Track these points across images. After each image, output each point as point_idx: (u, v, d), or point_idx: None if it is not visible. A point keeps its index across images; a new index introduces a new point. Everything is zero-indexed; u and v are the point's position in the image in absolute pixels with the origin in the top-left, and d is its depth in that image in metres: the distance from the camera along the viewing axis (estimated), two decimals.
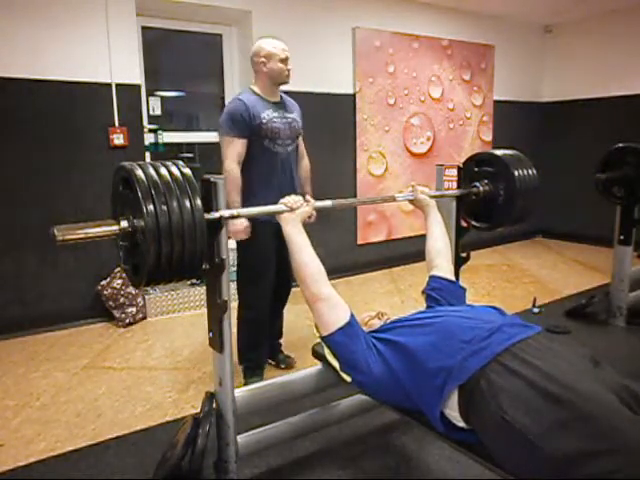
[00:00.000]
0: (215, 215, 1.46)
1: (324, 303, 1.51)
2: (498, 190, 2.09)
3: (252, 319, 2.46)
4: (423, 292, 1.81)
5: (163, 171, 1.30)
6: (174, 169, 1.33)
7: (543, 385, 1.14)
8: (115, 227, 1.30)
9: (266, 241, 2.37)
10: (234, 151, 2.32)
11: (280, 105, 2.47)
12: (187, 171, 1.35)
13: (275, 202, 1.76)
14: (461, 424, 1.30)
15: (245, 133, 2.33)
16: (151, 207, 1.23)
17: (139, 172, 1.27)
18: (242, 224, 2.26)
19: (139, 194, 1.23)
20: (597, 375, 1.19)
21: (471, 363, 1.26)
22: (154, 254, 1.23)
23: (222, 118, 2.37)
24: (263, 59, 2.40)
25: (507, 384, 1.19)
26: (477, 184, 2.13)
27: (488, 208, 2.14)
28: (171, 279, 1.33)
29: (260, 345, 2.52)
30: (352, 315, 1.52)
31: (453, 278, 1.86)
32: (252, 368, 2.51)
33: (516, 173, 2.04)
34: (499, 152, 2.14)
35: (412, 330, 1.48)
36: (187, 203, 1.28)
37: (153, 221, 1.22)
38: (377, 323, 1.71)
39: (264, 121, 2.35)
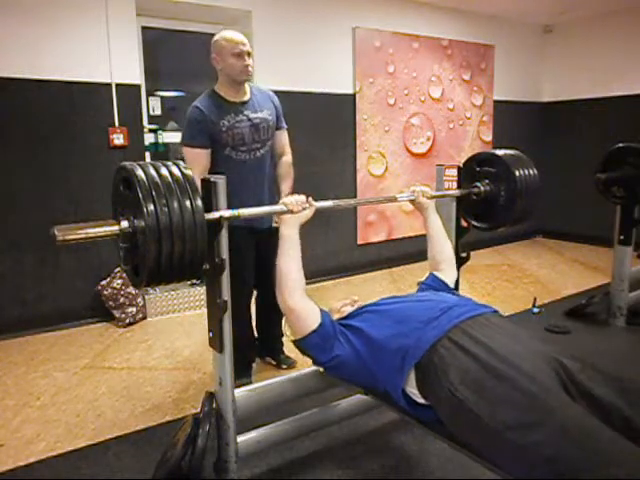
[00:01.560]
0: (215, 215, 1.46)
1: (297, 314, 1.56)
2: (499, 190, 2.08)
3: (236, 322, 2.41)
4: (419, 283, 1.88)
5: (164, 171, 1.30)
6: (175, 169, 1.33)
7: (487, 360, 1.23)
8: (115, 227, 1.29)
9: (240, 243, 2.22)
10: (198, 164, 2.13)
11: (245, 105, 2.26)
12: (188, 171, 1.35)
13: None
14: (421, 400, 1.38)
15: (206, 143, 2.17)
16: (152, 207, 1.22)
17: (140, 172, 1.26)
18: None
19: (140, 194, 1.22)
20: (538, 352, 1.28)
21: (424, 341, 1.36)
22: (155, 254, 1.22)
23: (184, 126, 2.23)
24: (215, 54, 2.21)
25: (455, 359, 1.29)
26: (478, 184, 2.12)
27: (489, 208, 2.14)
28: (172, 280, 1.32)
29: (245, 347, 2.46)
30: (323, 315, 1.57)
31: (452, 286, 1.90)
32: (238, 370, 2.43)
33: (517, 173, 2.03)
34: (500, 152, 2.14)
35: (374, 316, 1.57)
36: (188, 203, 1.27)
37: (154, 221, 1.22)
38: (349, 310, 1.73)
39: (224, 128, 2.18)
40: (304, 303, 1.57)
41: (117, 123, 3.44)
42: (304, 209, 1.65)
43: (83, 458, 1.96)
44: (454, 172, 2.20)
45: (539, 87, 5.98)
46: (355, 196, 4.56)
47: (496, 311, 1.53)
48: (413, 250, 4.91)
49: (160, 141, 3.75)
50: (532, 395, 1.14)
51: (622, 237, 3.13)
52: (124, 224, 1.29)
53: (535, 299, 3.61)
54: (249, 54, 2.22)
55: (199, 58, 4.24)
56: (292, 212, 1.62)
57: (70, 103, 3.30)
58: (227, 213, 1.50)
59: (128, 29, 3.44)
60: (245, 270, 2.36)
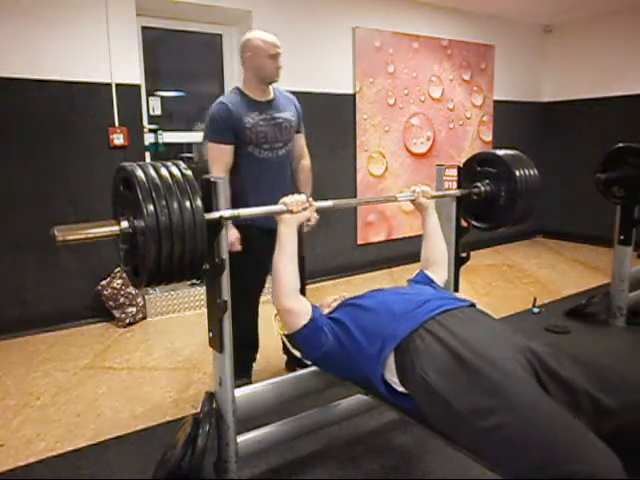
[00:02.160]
0: (215, 215, 1.46)
1: (292, 313, 1.59)
2: (499, 190, 2.08)
3: (239, 321, 2.39)
4: (408, 281, 1.93)
5: (164, 172, 1.30)
6: (174, 169, 1.33)
7: (457, 350, 1.30)
8: (116, 228, 1.29)
9: (252, 243, 2.24)
10: (221, 160, 2.19)
11: (270, 105, 2.29)
12: (188, 172, 1.34)
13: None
14: (401, 389, 1.43)
15: (230, 139, 2.20)
16: (151, 208, 1.22)
17: (139, 173, 1.26)
18: (232, 236, 2.16)
19: (139, 195, 1.22)
20: (509, 341, 1.36)
21: (401, 330, 1.44)
22: (154, 255, 1.22)
23: (206, 122, 2.26)
24: (249, 53, 2.24)
25: (429, 348, 1.36)
26: (478, 184, 2.12)
27: (489, 208, 2.13)
28: (172, 280, 1.32)
29: (246, 347, 2.44)
30: (314, 310, 1.61)
31: (442, 285, 1.93)
32: (238, 370, 2.38)
33: (517, 173, 2.03)
34: (501, 152, 2.13)
35: (356, 308, 1.62)
36: (187, 204, 1.27)
37: (153, 221, 1.22)
38: (337, 304, 1.77)
39: (248, 125, 2.19)
40: (298, 301, 1.60)
41: (117, 123, 3.44)
42: (304, 209, 1.65)
43: (83, 458, 1.96)
44: (454, 172, 2.19)
45: (539, 87, 5.98)
46: (355, 196, 4.56)
47: (473, 304, 1.59)
48: (413, 250, 4.87)
49: (160, 141, 3.75)
50: (495, 382, 1.20)
51: (622, 237, 3.13)
52: (124, 224, 1.29)
53: (535, 299, 3.61)
54: (280, 56, 2.27)
55: (199, 58, 4.25)
56: (292, 212, 1.62)
57: (70, 103, 3.30)
58: (227, 213, 1.50)
59: (128, 29, 3.44)
60: (253, 270, 2.31)
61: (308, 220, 2.38)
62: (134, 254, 1.31)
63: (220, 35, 4.05)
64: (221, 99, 2.26)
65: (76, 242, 1.26)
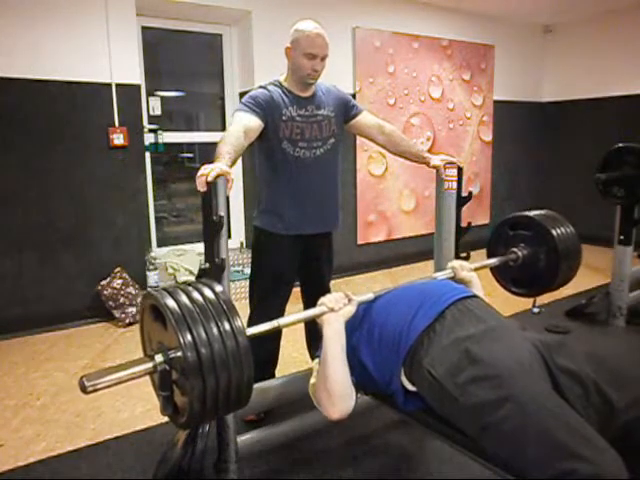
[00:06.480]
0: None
1: (347, 413, 1.45)
2: (538, 253, 1.99)
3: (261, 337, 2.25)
4: None
5: (195, 295, 1.15)
6: (207, 291, 1.18)
7: (465, 345, 1.29)
8: (149, 364, 1.14)
9: (280, 255, 2.09)
10: (239, 120, 1.89)
11: (310, 100, 2.09)
12: (220, 290, 1.20)
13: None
14: (411, 387, 1.40)
15: (260, 117, 1.94)
16: (189, 337, 1.07)
17: (169, 300, 1.12)
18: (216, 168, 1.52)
19: (173, 324, 1.08)
20: (519, 334, 1.35)
21: (417, 324, 1.41)
22: (198, 392, 1.07)
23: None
24: (289, 45, 2.02)
25: (437, 342, 1.34)
26: (515, 249, 2.03)
27: (528, 273, 2.03)
28: (216, 415, 1.18)
29: (268, 364, 2.30)
30: (353, 384, 1.48)
31: None
32: None
33: (555, 233, 1.93)
34: (532, 213, 2.03)
35: (371, 315, 1.55)
36: (227, 327, 1.11)
37: (193, 353, 1.06)
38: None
39: (284, 118, 2.01)
40: (351, 400, 1.45)
41: (117, 123, 3.44)
42: (345, 305, 1.51)
43: (83, 458, 1.97)
44: (454, 172, 2.19)
45: (539, 87, 5.98)
46: (355, 195, 4.58)
47: (476, 295, 1.57)
48: (413, 250, 4.91)
49: (160, 141, 3.75)
50: (502, 377, 1.19)
51: (622, 237, 3.14)
52: (158, 358, 1.14)
53: (535, 299, 3.61)
54: (324, 58, 2.03)
55: (199, 58, 4.25)
56: (333, 310, 1.48)
57: (70, 103, 3.30)
58: (264, 327, 1.37)
59: (128, 29, 3.44)
60: (279, 283, 2.16)
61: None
62: (173, 392, 1.18)
63: (220, 35, 4.05)
64: (262, 85, 2.07)
65: (108, 388, 1.14)
